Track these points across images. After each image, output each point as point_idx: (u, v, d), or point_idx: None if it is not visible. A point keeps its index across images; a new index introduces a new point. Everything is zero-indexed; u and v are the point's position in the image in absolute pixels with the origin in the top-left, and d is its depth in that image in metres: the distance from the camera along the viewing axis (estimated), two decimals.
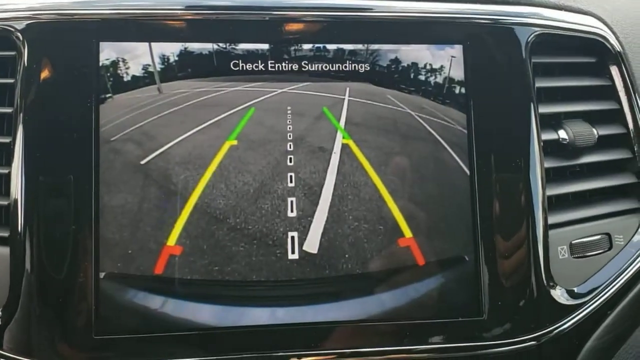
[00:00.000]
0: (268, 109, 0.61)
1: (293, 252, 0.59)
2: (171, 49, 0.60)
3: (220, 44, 0.61)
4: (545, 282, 0.62)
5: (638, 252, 0.68)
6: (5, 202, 0.58)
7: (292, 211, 0.60)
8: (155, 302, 0.57)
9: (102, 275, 0.57)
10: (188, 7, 0.61)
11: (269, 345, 0.58)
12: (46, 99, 0.59)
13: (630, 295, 0.67)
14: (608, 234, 0.68)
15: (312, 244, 0.60)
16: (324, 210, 0.60)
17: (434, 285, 0.61)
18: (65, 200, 0.57)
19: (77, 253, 0.57)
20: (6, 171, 0.58)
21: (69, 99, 0.59)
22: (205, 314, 0.58)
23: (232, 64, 0.61)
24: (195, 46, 0.60)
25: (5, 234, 0.58)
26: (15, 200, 0.57)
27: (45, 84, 0.59)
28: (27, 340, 0.56)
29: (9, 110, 0.59)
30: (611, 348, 0.68)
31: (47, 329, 0.56)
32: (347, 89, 0.62)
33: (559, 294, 0.63)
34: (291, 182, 0.60)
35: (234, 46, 0.61)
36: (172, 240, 0.58)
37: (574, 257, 0.66)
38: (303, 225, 0.60)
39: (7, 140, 0.59)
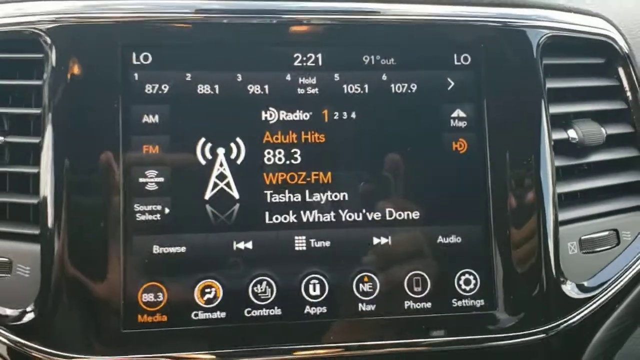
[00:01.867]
0: None
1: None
2: (196, 51, 0.62)
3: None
4: (555, 276, 0.64)
5: None
6: (36, 201, 0.60)
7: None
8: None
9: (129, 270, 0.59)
10: (210, 11, 0.63)
11: (274, 338, 0.61)
12: (73, 100, 0.61)
13: (638, 289, 0.69)
14: (616, 230, 0.70)
15: None
16: None
17: (447, 277, 0.63)
18: (94, 197, 0.59)
19: (105, 249, 0.59)
20: (36, 170, 0.60)
21: (95, 100, 0.60)
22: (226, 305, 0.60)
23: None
24: (220, 47, 0.63)
25: (36, 232, 0.60)
26: (45, 199, 0.59)
27: (72, 85, 0.61)
28: (57, 333, 0.58)
29: (37, 111, 0.61)
30: (618, 340, 0.70)
31: (76, 323, 0.58)
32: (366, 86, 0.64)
33: (569, 288, 0.65)
34: None
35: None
36: None
37: (583, 253, 0.68)
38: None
39: (36, 140, 0.61)
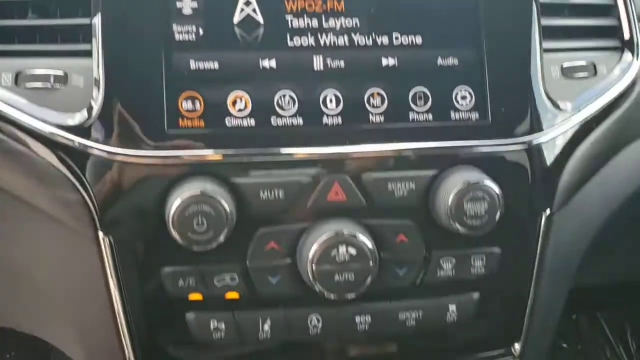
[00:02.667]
0: None
1: None
2: None
3: None
4: (540, 94, 0.74)
5: (619, 79, 0.79)
6: (87, 21, 0.68)
7: None
8: None
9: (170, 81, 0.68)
10: None
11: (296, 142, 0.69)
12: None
13: (614, 115, 0.79)
14: (593, 63, 0.79)
15: None
16: None
17: (445, 93, 0.72)
18: (139, 19, 0.68)
19: (150, 63, 0.67)
20: None
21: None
22: None
23: None
24: None
25: (88, 48, 0.68)
26: (96, 19, 0.67)
27: None
28: (111, 133, 0.67)
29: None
30: (595, 162, 0.80)
31: (126, 124, 0.67)
32: None
33: (551, 106, 0.75)
34: None
35: None
36: None
37: (564, 78, 0.77)
38: None
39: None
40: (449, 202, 0.69)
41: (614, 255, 1.22)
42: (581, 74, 0.78)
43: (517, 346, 0.80)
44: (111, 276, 0.71)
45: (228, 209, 0.66)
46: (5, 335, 1.77)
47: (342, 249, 0.68)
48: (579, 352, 2.14)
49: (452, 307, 0.75)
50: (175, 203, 0.65)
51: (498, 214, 0.70)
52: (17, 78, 0.68)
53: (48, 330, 0.89)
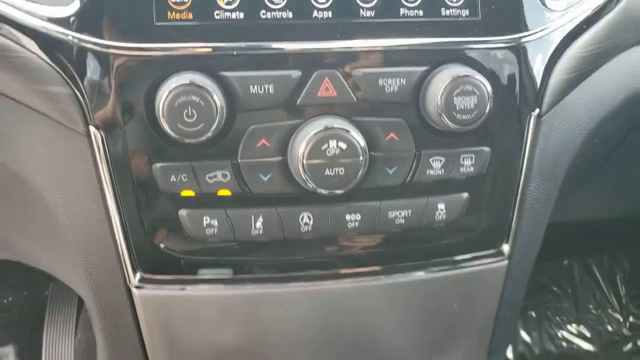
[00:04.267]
0: None
1: None
2: None
3: None
4: None
5: None
6: None
7: None
8: None
9: None
10: None
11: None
12: None
13: (605, 19, 0.79)
14: None
15: None
16: None
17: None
18: None
19: None
20: None
21: None
22: None
23: None
24: None
25: None
26: None
27: None
28: (100, 24, 0.67)
29: None
30: (588, 63, 0.80)
31: (115, 16, 0.67)
32: None
33: (542, 4, 0.75)
34: None
35: None
36: None
37: None
38: None
39: None
40: (439, 97, 0.69)
41: (603, 189, 1.24)
42: None
43: (506, 247, 0.81)
44: (104, 173, 0.71)
45: (218, 102, 0.66)
46: (7, 277, 1.81)
47: (333, 143, 0.69)
48: (570, 295, 2.19)
49: (441, 206, 0.76)
50: (164, 93, 0.65)
51: (487, 108, 0.70)
52: None
53: (46, 244, 0.90)
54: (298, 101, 0.70)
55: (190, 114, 0.66)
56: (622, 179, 1.25)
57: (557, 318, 2.14)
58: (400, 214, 0.76)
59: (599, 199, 1.42)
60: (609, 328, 2.13)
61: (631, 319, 2.14)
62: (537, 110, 0.77)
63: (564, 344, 2.10)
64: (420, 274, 0.81)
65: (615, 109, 0.85)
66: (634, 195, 1.38)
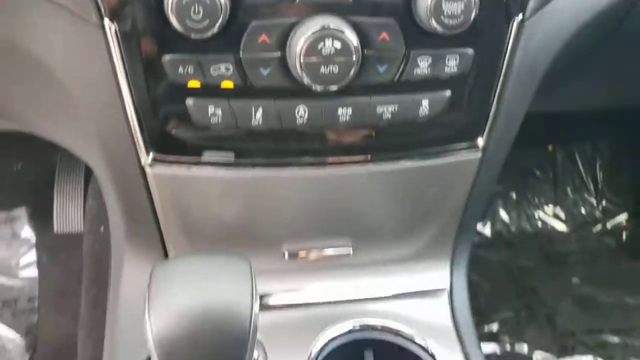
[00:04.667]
0: None
1: None
2: None
3: None
4: None
5: None
6: None
7: None
8: None
9: None
10: None
11: None
12: None
13: None
14: None
15: None
16: None
17: None
18: None
19: None
20: None
21: None
22: None
23: None
24: None
25: None
26: None
27: None
28: None
29: None
30: None
31: None
32: None
33: None
34: None
35: None
36: None
37: None
38: None
39: None
40: (429, 2, 0.74)
41: (588, 82, 1.29)
42: None
43: (480, 140, 0.90)
44: (118, 63, 0.78)
45: (222, 0, 0.71)
46: (12, 144, 1.89)
47: (328, 42, 0.75)
48: (550, 179, 2.30)
49: (425, 103, 0.83)
50: None
51: (473, 14, 0.75)
52: None
53: (63, 126, 0.98)
54: None
55: (196, 10, 0.71)
56: (608, 72, 1.31)
57: (536, 200, 2.27)
58: (387, 108, 0.83)
59: (584, 91, 1.47)
60: (583, 211, 2.27)
61: (604, 202, 2.28)
62: (520, 16, 0.81)
63: (540, 224, 2.25)
64: (403, 163, 0.90)
65: (599, 14, 0.89)
66: (619, 88, 1.45)
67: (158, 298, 0.59)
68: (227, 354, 0.58)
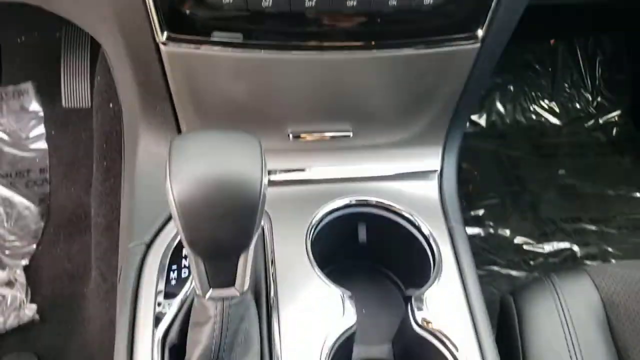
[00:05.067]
0: None
1: None
2: None
3: None
4: None
5: None
6: None
7: None
8: None
9: None
10: None
11: None
12: None
13: None
14: None
15: None
16: None
17: None
18: None
19: None
20: None
21: None
22: None
23: None
24: None
25: None
26: None
27: None
28: None
29: None
30: None
31: None
32: None
33: None
34: None
35: None
36: None
37: None
38: None
39: None
40: None
41: None
42: None
43: (480, 32, 0.94)
44: None
45: None
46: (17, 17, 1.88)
47: None
48: (549, 73, 2.33)
49: None
50: None
51: None
52: None
53: (80, 2, 1.01)
54: None
55: None
56: None
57: (533, 93, 2.31)
58: None
59: None
60: (577, 106, 2.32)
61: (599, 98, 2.32)
62: None
63: (534, 116, 2.31)
64: (404, 50, 0.94)
65: None
66: None
67: (178, 165, 0.65)
68: (240, 215, 0.66)
